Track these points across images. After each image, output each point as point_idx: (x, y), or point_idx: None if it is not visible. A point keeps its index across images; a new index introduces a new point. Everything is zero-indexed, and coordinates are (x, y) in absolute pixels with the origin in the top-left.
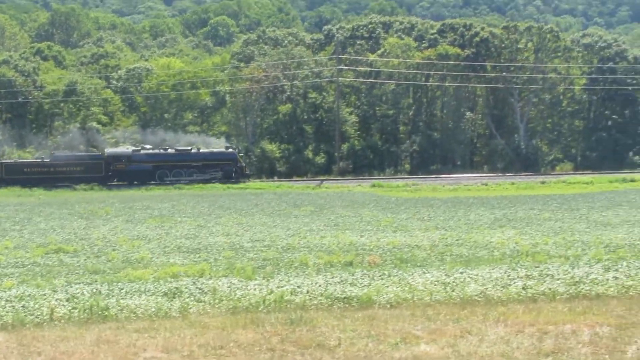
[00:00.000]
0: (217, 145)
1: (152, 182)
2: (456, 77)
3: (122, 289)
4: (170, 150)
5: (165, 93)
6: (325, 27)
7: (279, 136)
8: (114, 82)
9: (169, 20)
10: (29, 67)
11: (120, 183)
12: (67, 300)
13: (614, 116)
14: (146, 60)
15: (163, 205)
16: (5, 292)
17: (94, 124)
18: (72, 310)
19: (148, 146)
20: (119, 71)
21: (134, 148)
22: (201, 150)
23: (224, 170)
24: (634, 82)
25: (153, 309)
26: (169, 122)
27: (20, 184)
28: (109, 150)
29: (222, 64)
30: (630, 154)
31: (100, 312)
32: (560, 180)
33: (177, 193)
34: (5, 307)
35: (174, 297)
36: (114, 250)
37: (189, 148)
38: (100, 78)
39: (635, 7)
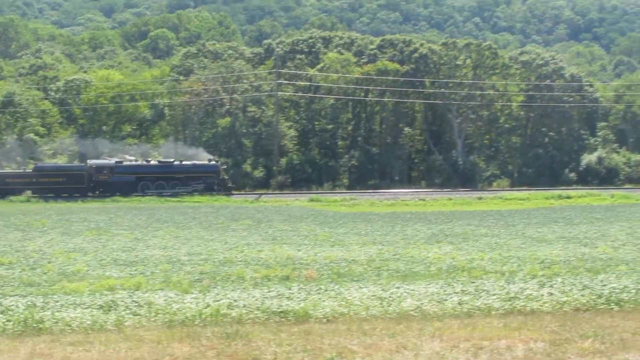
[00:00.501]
0: (201, 157)
1: (135, 194)
2: (395, 92)
3: (58, 301)
4: (153, 162)
5: (104, 105)
6: (265, 41)
7: (218, 150)
8: (52, 93)
9: (109, 32)
10: None
11: (103, 195)
12: (2, 312)
13: (551, 133)
14: (85, 72)
15: (100, 218)
16: None
17: (32, 135)
18: (6, 323)
19: (131, 158)
20: (58, 83)
21: (117, 160)
22: (184, 163)
23: (206, 182)
24: (571, 99)
25: (88, 322)
26: (107, 134)
27: (2, 195)
28: (92, 161)
29: (161, 76)
30: (566, 171)
31: (34, 325)
32: (497, 197)
33: (115, 206)
34: None
35: (110, 310)
36: (49, 262)
37: (172, 160)
38: (38, 89)
39: (572, 25)
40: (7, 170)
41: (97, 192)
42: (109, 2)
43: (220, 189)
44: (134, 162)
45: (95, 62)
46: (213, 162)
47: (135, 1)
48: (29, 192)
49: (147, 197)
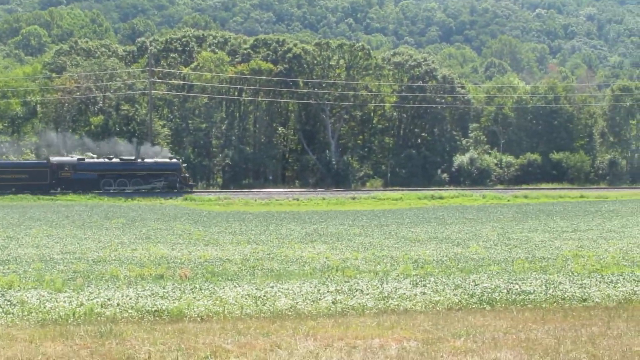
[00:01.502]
0: (161, 155)
1: (96, 191)
2: (269, 92)
3: None
4: (115, 160)
5: None
6: (139, 40)
7: (90, 149)
8: None
9: None
10: None
11: (65, 191)
12: None
13: (423, 134)
14: None
15: None
16: None
17: None
18: None
19: (93, 155)
20: None
21: (79, 157)
22: (146, 160)
23: (168, 180)
24: (443, 100)
25: None
26: None
27: None
28: (55, 158)
29: (33, 73)
30: (439, 171)
31: None
32: (370, 197)
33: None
34: None
35: None
36: None
37: (134, 158)
38: None
39: (444, 27)
40: None
41: (60, 188)
42: None
43: (182, 186)
44: (96, 160)
45: None
46: (174, 160)
47: None
48: None
49: (21, 194)
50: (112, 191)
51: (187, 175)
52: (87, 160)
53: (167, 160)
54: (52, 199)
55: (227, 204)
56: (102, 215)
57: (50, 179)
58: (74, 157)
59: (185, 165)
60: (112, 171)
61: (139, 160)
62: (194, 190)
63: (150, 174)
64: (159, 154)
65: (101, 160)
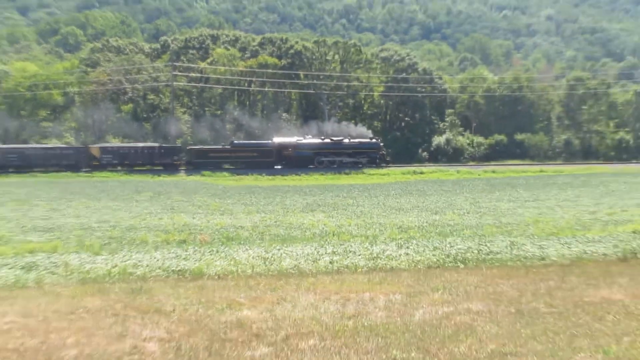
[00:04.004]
0: (365, 136)
1: (311, 166)
2: (274, 83)
3: None
4: (326, 140)
5: (21, 93)
6: (162, 38)
7: (122, 132)
8: None
9: (25, 29)
10: None
11: (286, 167)
12: None
13: (407, 119)
14: (4, 64)
15: (21, 191)
16: None
17: None
18: None
19: (309, 136)
20: None
21: (298, 138)
22: (352, 141)
23: (369, 157)
24: (423, 90)
25: (12, 280)
26: (24, 118)
27: (205, 167)
28: (279, 139)
29: (71, 68)
30: (420, 150)
31: None
32: (361, 172)
33: (33, 180)
34: None
35: (31, 270)
36: None
37: (341, 138)
38: None
39: (424, 27)
40: (209, 146)
41: (281, 164)
42: (24, 2)
43: (380, 162)
44: (312, 140)
45: (13, 56)
46: (374, 140)
47: (48, 1)
48: (226, 165)
49: (62, 172)
50: (324, 166)
51: (384, 152)
52: (304, 140)
53: (369, 140)
54: (88, 176)
55: (239, 180)
56: (132, 190)
57: (275, 157)
58: (294, 139)
59: (382, 144)
60: (325, 149)
61: (346, 140)
62: (389, 165)
63: (355, 152)
64: (362, 135)
65: (316, 140)
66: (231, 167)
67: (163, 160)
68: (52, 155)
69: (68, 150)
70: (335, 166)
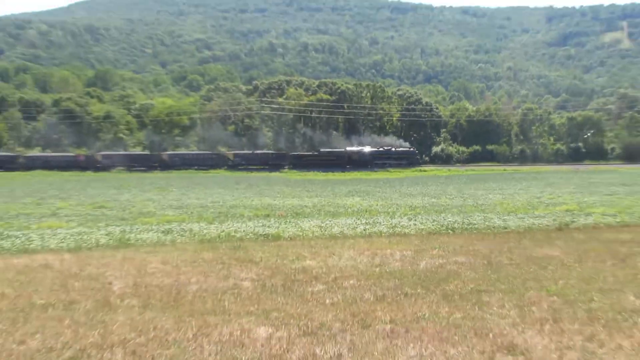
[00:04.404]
0: (405, 146)
1: (368, 168)
2: (327, 112)
3: (138, 228)
4: (380, 149)
5: (161, 118)
6: (254, 82)
7: (228, 143)
8: (132, 110)
9: (164, 76)
10: (82, 102)
11: (353, 168)
12: (106, 234)
13: (415, 135)
14: (151, 99)
15: (161, 182)
16: (69, 230)
17: (121, 135)
18: (109, 241)
19: (367, 146)
20: (135, 105)
21: (360, 147)
22: (397, 149)
23: (409, 160)
24: (425, 116)
25: (155, 240)
26: (164, 134)
27: (300, 167)
28: (349, 148)
29: (194, 102)
30: (423, 156)
31: (125, 242)
32: (384, 171)
33: (175, 175)
34: (69, 239)
35: (168, 234)
36: (132, 207)
37: (390, 147)
38: (124, 108)
39: (426, 74)
40: (304, 152)
41: (350, 165)
42: (164, 58)
43: (416, 164)
44: (370, 149)
45: (156, 94)
46: (412, 149)
47: (179, 57)
48: (314, 166)
49: (201, 170)
50: (378, 166)
51: (418, 157)
52: (364, 149)
53: (409, 149)
54: (218, 172)
55: (304, 175)
56: (233, 182)
57: (347, 160)
58: (357, 148)
59: (416, 150)
60: (379, 155)
61: (393, 149)
62: (422, 166)
63: (400, 157)
64: (403, 146)
65: (373, 149)
66: (317, 167)
67: (274, 162)
68: (202, 158)
69: (212, 155)
70: (387, 166)
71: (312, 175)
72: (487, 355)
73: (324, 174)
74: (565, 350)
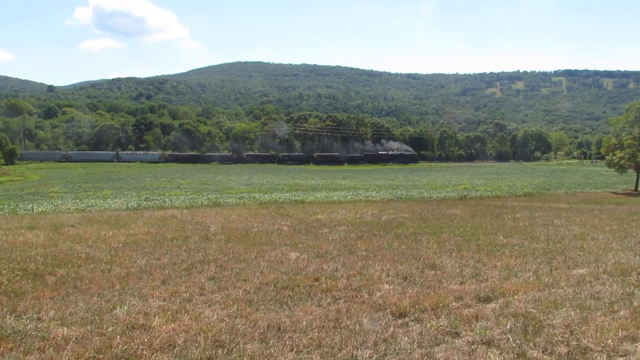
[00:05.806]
0: (408, 150)
1: (388, 162)
2: (332, 131)
3: (225, 196)
4: (395, 152)
5: (240, 135)
6: (290, 114)
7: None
8: (222, 129)
9: (240, 110)
10: (194, 124)
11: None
12: (207, 199)
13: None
14: (233, 123)
15: (238, 170)
16: (186, 196)
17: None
18: (208, 202)
19: (385, 150)
20: (225, 126)
21: (383, 151)
22: (403, 152)
23: (410, 158)
24: (386, 134)
25: (234, 203)
26: (241, 144)
27: (357, 163)
28: (382, 151)
29: (256, 125)
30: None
31: (217, 203)
32: (361, 165)
33: (248, 167)
34: (186, 201)
35: (241, 199)
36: (222, 183)
37: (400, 152)
38: (218, 128)
39: (387, 111)
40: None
41: (378, 161)
42: (240, 101)
43: (414, 161)
44: (387, 152)
45: (236, 121)
46: (412, 151)
47: (249, 100)
48: (362, 161)
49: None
50: (392, 162)
51: (417, 157)
52: (386, 152)
53: (411, 152)
54: (263, 165)
55: (320, 167)
56: (278, 170)
57: (377, 159)
58: (384, 151)
59: (414, 152)
60: (392, 155)
61: (401, 152)
62: (419, 162)
63: (404, 156)
64: (406, 149)
65: (389, 152)
66: (363, 162)
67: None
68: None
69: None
70: (401, 163)
71: (324, 167)
72: (419, 269)
73: (329, 167)
74: (464, 267)
